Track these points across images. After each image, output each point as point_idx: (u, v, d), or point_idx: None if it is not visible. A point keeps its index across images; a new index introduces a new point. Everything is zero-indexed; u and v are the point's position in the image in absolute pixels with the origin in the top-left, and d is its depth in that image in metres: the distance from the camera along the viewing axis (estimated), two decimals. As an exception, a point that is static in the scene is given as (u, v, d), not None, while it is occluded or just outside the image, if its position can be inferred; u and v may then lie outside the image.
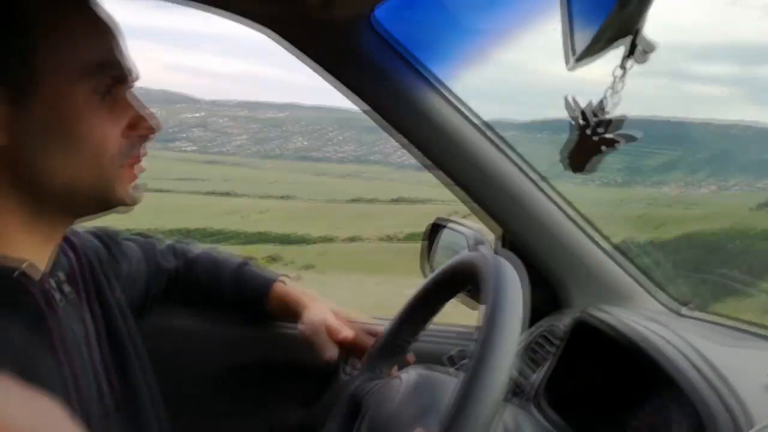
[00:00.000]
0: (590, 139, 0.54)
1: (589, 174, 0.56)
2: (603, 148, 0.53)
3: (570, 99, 0.56)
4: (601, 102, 0.53)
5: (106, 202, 0.66)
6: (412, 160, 1.00)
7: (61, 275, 0.68)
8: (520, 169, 0.98)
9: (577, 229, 0.99)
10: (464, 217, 1.09)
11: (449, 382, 0.69)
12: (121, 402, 0.70)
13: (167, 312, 1.00)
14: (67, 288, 0.68)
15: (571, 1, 0.57)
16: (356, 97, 0.96)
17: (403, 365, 0.82)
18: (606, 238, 1.01)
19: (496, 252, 0.64)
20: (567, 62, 0.59)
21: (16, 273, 0.60)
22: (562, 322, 0.89)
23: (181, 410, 0.80)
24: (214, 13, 0.91)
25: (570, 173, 0.58)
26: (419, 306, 0.81)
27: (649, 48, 0.47)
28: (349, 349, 0.91)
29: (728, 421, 0.59)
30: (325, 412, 0.82)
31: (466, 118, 0.96)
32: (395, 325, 0.82)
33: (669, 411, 0.71)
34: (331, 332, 0.90)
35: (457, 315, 1.00)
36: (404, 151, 0.99)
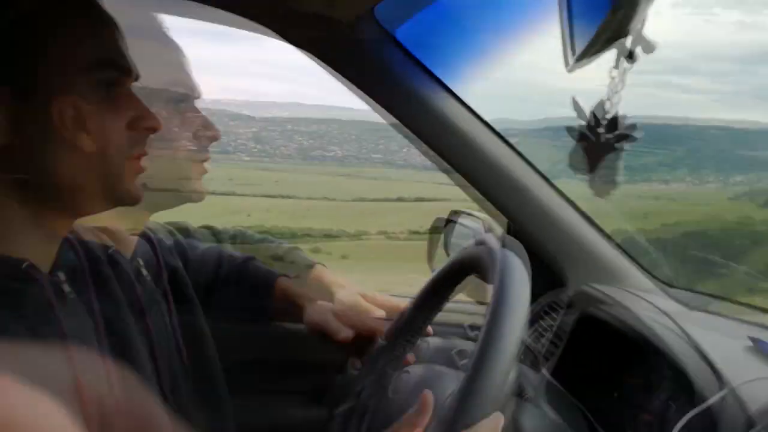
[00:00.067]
0: (602, 138, 0.55)
1: (609, 174, 0.57)
2: (617, 145, 0.54)
3: (577, 101, 0.57)
4: (604, 102, 0.54)
5: (112, 197, 0.65)
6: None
7: (68, 270, 0.66)
8: (525, 161, 1.06)
9: (575, 216, 1.07)
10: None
11: (454, 376, 0.72)
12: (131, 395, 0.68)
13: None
14: (70, 286, 0.66)
15: (569, 3, 0.59)
16: (379, 108, 1.04)
17: (407, 363, 0.82)
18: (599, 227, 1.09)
19: (501, 240, 0.66)
20: (566, 64, 0.60)
21: (23, 264, 0.59)
22: (561, 298, 0.96)
23: (186, 405, 0.80)
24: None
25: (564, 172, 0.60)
26: (428, 298, 0.81)
27: (649, 48, 0.48)
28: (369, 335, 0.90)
29: (712, 378, 0.65)
30: (333, 407, 0.83)
31: (475, 116, 1.04)
32: (404, 319, 0.83)
33: (661, 377, 0.78)
34: (363, 313, 0.93)
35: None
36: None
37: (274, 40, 1.01)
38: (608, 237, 1.09)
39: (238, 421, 0.94)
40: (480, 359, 0.52)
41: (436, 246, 1.08)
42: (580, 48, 0.57)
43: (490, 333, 0.54)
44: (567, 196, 1.08)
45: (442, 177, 1.08)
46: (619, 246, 1.09)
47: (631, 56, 0.52)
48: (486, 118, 1.05)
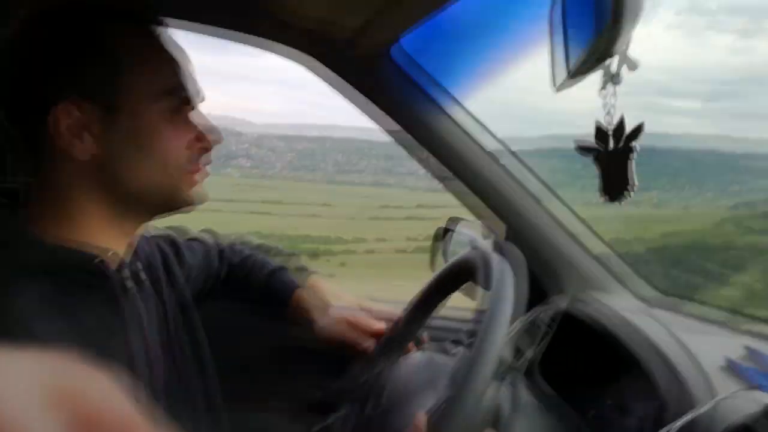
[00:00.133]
0: (616, 153, 0.57)
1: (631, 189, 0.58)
2: (630, 155, 0.57)
3: (599, 123, 0.59)
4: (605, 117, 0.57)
5: (174, 203, 0.76)
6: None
7: (138, 265, 0.78)
8: (520, 184, 1.12)
9: (573, 225, 1.12)
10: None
11: (449, 362, 0.79)
12: (183, 376, 0.80)
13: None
14: (143, 276, 0.78)
15: (558, 27, 0.62)
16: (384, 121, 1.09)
17: (409, 351, 0.92)
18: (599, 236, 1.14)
19: (497, 247, 0.73)
20: (554, 84, 0.64)
21: (96, 260, 0.69)
22: (553, 308, 0.99)
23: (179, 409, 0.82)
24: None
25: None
26: (426, 299, 0.90)
27: (633, 66, 0.52)
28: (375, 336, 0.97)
29: (687, 396, 0.67)
30: (342, 393, 0.89)
31: (474, 139, 1.10)
32: (406, 317, 0.92)
33: (636, 389, 0.80)
34: (359, 326, 0.98)
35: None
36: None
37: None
38: (609, 246, 1.14)
39: (254, 405, 0.99)
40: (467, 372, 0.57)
41: (437, 254, 1.11)
42: (568, 68, 0.60)
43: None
44: (568, 204, 1.13)
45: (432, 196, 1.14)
46: (619, 255, 1.13)
47: (615, 78, 0.55)
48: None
